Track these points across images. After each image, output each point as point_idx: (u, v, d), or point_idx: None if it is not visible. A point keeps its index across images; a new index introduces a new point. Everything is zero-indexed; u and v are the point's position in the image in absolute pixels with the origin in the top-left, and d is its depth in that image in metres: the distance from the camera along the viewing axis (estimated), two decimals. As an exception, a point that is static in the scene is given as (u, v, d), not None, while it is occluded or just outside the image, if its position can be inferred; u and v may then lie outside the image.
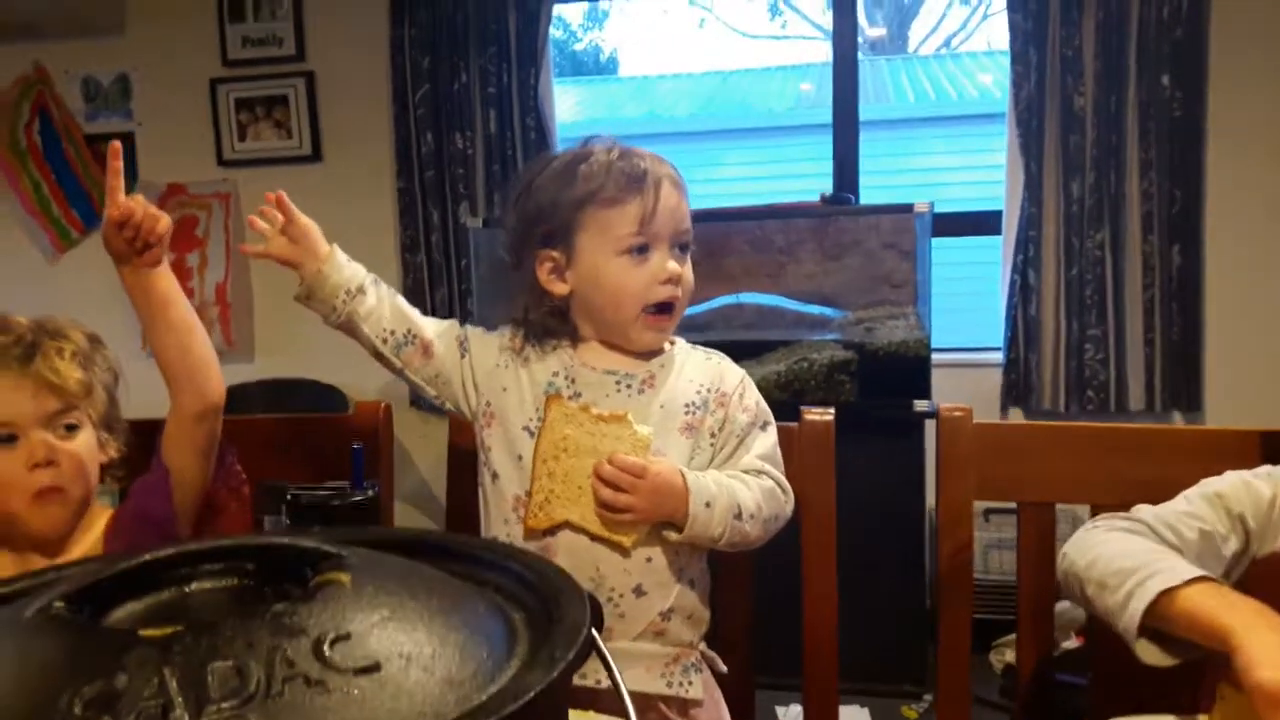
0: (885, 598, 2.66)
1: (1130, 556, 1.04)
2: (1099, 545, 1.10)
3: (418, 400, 3.31)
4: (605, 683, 1.14)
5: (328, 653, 0.50)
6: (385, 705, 0.49)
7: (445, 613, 0.56)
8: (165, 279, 1.26)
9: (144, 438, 1.35)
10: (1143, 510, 1.15)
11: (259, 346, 3.55)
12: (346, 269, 1.32)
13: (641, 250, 1.26)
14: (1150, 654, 1.00)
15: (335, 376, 3.36)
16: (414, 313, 1.36)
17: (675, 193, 1.28)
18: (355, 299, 1.31)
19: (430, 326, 1.36)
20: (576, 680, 0.99)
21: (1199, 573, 0.98)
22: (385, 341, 1.33)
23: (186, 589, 0.58)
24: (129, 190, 1.22)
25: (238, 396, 1.35)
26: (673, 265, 1.27)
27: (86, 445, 1.26)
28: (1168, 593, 0.97)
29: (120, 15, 3.51)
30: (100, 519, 1.34)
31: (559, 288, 1.31)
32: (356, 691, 0.49)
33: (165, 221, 1.23)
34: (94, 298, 3.23)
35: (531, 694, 0.50)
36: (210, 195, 3.53)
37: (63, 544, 1.29)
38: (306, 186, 3.49)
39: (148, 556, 0.56)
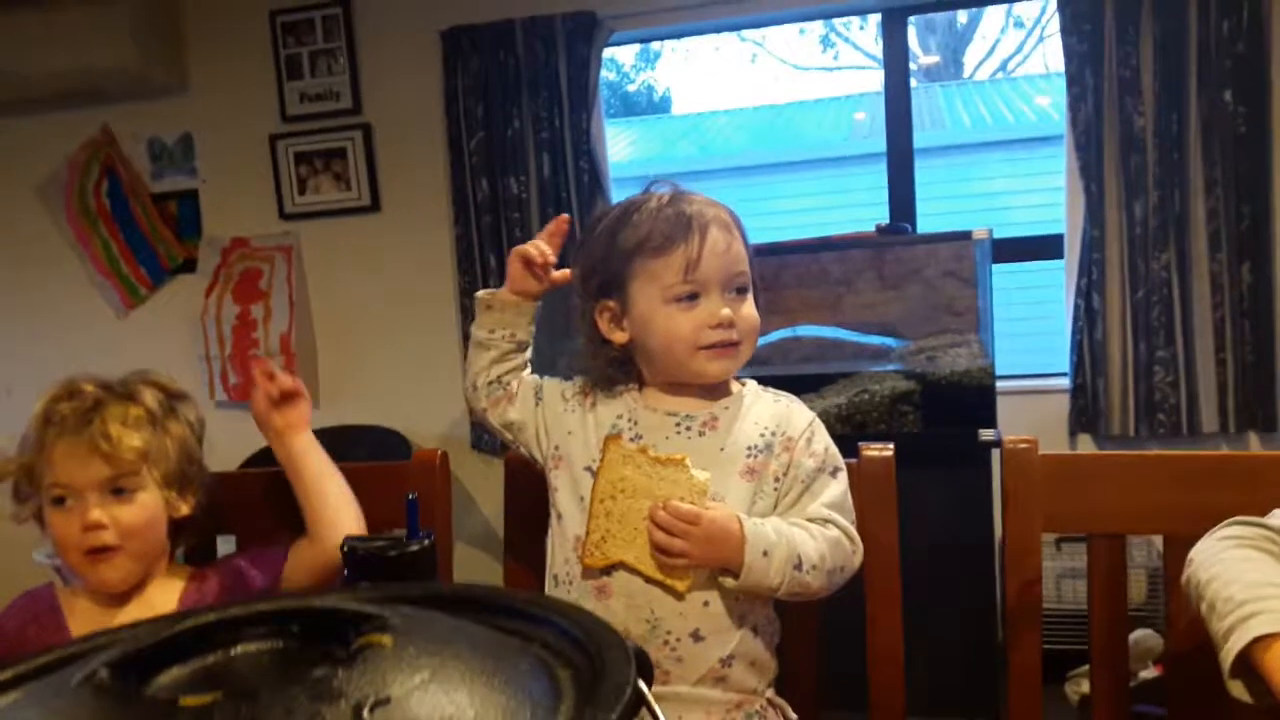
0: (954, 629, 2.61)
1: (1245, 585, 1.01)
2: (1221, 562, 1.06)
3: (479, 443, 3.33)
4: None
5: (367, 718, 0.49)
6: (425, 771, 0.49)
7: (488, 673, 0.55)
8: (305, 437, 1.43)
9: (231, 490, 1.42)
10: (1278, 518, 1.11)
11: (323, 394, 3.59)
12: (531, 325, 1.40)
13: (691, 298, 1.26)
14: (1240, 693, 0.99)
15: (398, 422, 3.38)
16: (525, 374, 1.41)
17: (725, 236, 1.27)
18: (515, 344, 1.38)
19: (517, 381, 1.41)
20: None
21: None
22: (491, 384, 1.38)
23: (231, 652, 0.58)
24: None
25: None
26: (725, 311, 1.26)
27: (143, 506, 1.30)
28: (1263, 638, 0.95)
29: (183, 77, 3.61)
30: (179, 575, 1.38)
31: (619, 336, 1.32)
32: (396, 758, 0.48)
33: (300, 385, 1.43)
34: (159, 352, 3.33)
35: (574, 757, 0.49)
36: (273, 248, 3.60)
37: (132, 595, 1.32)
38: (366, 236, 3.55)
39: (190, 623, 0.56)
